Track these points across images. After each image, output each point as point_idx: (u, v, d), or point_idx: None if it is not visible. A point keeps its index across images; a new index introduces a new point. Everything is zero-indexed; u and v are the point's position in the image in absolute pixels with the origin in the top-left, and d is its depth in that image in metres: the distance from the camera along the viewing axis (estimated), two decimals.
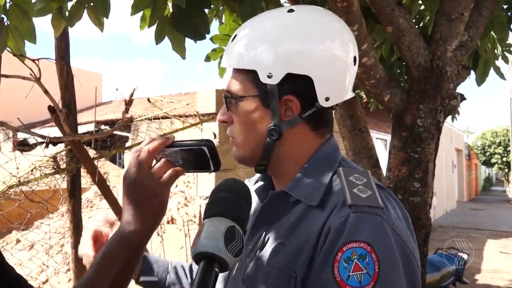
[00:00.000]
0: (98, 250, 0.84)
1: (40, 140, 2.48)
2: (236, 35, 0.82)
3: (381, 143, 10.17)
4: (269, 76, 0.77)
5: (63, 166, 2.72)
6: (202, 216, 0.73)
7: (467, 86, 15.14)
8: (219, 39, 2.54)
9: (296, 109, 0.79)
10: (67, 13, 1.72)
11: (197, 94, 5.31)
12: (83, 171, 2.83)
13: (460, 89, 2.39)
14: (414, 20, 2.43)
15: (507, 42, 2.75)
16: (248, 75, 0.79)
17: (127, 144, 4.52)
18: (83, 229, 2.88)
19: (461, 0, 2.00)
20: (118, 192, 3.40)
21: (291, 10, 0.80)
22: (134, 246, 0.73)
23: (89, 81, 10.98)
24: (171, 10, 1.74)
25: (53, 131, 2.76)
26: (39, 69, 2.10)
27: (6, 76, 2.09)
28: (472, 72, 2.70)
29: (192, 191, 5.39)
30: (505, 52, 2.79)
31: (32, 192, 2.78)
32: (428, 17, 2.70)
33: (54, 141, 2.33)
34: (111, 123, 7.99)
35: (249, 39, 0.80)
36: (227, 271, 0.66)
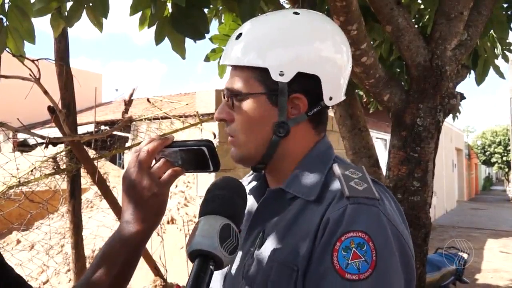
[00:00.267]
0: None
1: (40, 140, 2.48)
2: (240, 33, 0.82)
3: (381, 142, 10.17)
4: (281, 74, 0.78)
5: (63, 166, 2.73)
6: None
7: (467, 85, 15.20)
8: (219, 39, 2.54)
9: (304, 107, 0.80)
10: (66, 13, 1.71)
11: (196, 94, 5.31)
12: (83, 172, 2.83)
13: (459, 88, 2.39)
14: (413, 19, 2.43)
15: (507, 41, 2.75)
16: (254, 73, 0.80)
17: (127, 145, 4.51)
18: (83, 229, 2.88)
19: None
20: (118, 192, 3.40)
21: (296, 13, 0.83)
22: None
23: (89, 82, 10.99)
24: (170, 10, 1.74)
25: (53, 132, 2.77)
26: (39, 70, 2.11)
27: (6, 77, 2.09)
28: (471, 71, 2.70)
29: (192, 191, 5.40)
30: (504, 51, 2.79)
31: (32, 192, 2.78)
32: (427, 16, 2.70)
33: (54, 142, 2.33)
34: (111, 123, 7.98)
35: (258, 38, 0.81)
36: (222, 268, 0.67)
